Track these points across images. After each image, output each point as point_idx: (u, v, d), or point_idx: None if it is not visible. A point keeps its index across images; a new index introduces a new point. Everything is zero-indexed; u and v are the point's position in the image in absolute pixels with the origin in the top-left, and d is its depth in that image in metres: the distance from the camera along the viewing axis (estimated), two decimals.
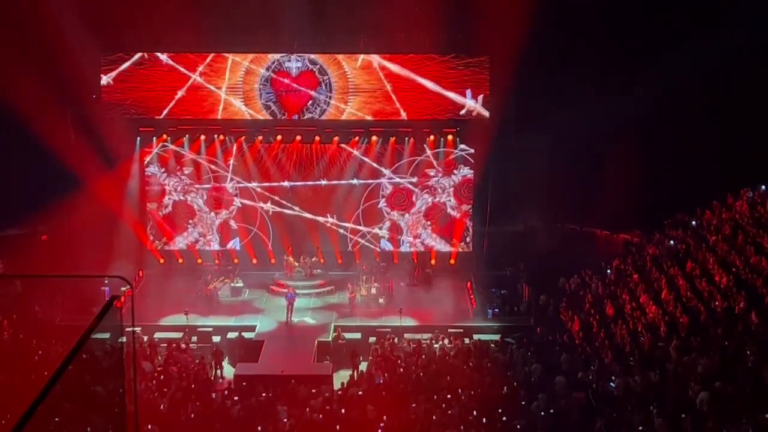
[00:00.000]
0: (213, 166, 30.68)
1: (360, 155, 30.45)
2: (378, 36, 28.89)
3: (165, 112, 29.31)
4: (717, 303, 20.88)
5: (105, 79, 28.93)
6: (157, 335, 25.06)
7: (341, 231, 31.08)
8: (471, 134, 29.86)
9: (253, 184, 30.79)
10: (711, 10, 25.89)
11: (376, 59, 28.97)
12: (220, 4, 28.47)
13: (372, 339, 24.86)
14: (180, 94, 29.10)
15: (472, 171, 30.45)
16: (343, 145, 30.42)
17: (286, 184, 30.79)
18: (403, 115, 29.23)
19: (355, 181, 30.76)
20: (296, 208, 30.83)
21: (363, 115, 29.36)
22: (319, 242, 30.93)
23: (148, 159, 30.56)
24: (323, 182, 30.74)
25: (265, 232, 31.10)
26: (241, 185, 30.87)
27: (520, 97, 28.18)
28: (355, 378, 22.14)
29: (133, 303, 24.66)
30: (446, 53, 28.83)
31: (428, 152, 30.45)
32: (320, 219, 30.90)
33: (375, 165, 30.54)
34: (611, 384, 19.30)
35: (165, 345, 24.17)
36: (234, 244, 31.24)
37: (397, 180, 30.67)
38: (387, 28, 28.64)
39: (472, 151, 30.23)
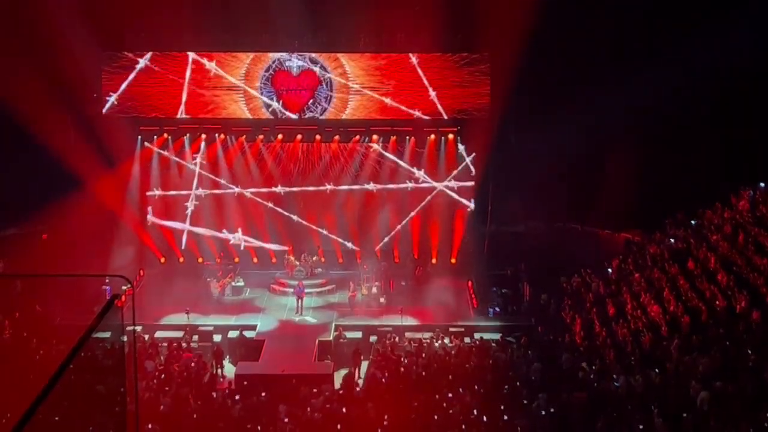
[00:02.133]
0: (209, 174, 30.68)
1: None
2: (378, 35, 28.87)
3: (165, 111, 29.30)
4: (718, 302, 20.88)
5: (105, 79, 28.92)
6: (158, 334, 25.09)
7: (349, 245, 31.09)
8: (472, 133, 29.85)
9: (236, 189, 30.70)
10: (712, 11, 25.88)
11: (375, 58, 28.99)
12: (220, 3, 28.47)
13: (373, 338, 24.88)
14: (180, 93, 29.08)
15: (472, 170, 30.43)
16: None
17: (279, 189, 30.71)
18: (405, 114, 29.20)
19: (371, 186, 30.70)
20: (294, 218, 30.82)
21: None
22: (320, 241, 30.94)
23: (152, 162, 30.54)
24: (329, 187, 30.70)
25: (266, 231, 31.07)
26: (231, 190, 30.79)
27: (521, 97, 28.16)
28: (356, 377, 22.17)
29: (134, 302, 24.80)
30: (447, 52, 28.80)
31: (442, 151, 30.48)
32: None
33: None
34: (615, 383, 19.30)
35: (166, 344, 24.17)
36: (236, 237, 31.07)
37: (418, 183, 30.56)
38: (387, 28, 28.63)
39: (473, 150, 30.22)
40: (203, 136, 30.36)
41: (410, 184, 30.61)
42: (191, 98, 29.17)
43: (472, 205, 30.72)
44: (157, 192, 30.72)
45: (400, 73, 28.93)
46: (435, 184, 30.63)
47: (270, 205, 30.74)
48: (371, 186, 30.68)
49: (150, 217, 30.63)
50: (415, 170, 30.46)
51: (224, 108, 29.37)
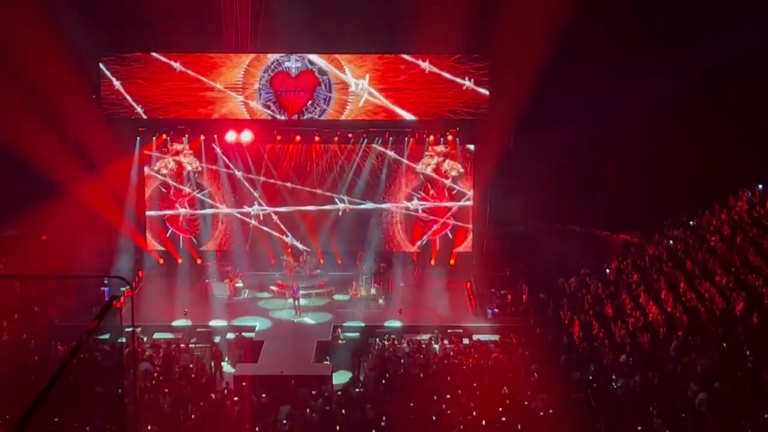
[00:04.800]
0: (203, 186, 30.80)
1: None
2: (378, 36, 28.83)
3: (165, 112, 29.26)
4: (717, 303, 20.90)
5: (104, 79, 28.89)
6: (157, 335, 25.09)
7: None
8: (471, 134, 29.86)
9: (226, 209, 30.79)
10: (712, 11, 25.91)
11: (374, 59, 28.98)
12: (220, 3, 28.45)
13: (372, 339, 24.89)
14: (179, 94, 29.05)
15: (472, 171, 30.44)
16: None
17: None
18: (405, 115, 29.19)
19: (413, 204, 30.70)
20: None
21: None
22: (319, 243, 30.92)
23: (155, 164, 30.54)
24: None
25: (264, 233, 31.04)
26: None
27: (521, 97, 28.17)
28: (356, 378, 22.19)
29: (132, 303, 24.81)
30: (446, 53, 28.78)
31: (429, 151, 30.54)
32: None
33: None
34: (614, 384, 19.33)
35: (165, 345, 24.16)
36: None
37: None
38: (387, 28, 28.61)
39: (473, 150, 30.23)
40: (202, 137, 30.35)
41: (455, 204, 30.64)
42: (190, 99, 29.12)
43: (471, 206, 30.69)
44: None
45: (400, 74, 28.89)
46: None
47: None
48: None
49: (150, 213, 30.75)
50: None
51: (223, 109, 29.31)
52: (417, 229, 31.09)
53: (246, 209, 30.78)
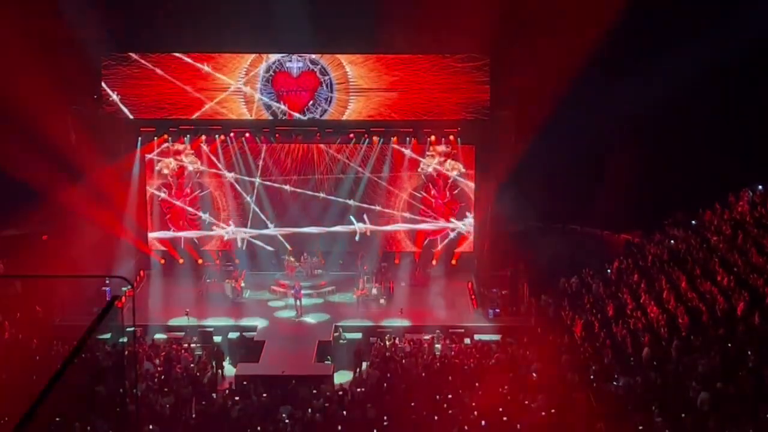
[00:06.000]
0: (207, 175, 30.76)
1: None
2: (378, 36, 28.83)
3: (165, 113, 29.26)
4: (718, 303, 20.88)
5: (106, 79, 28.90)
6: (158, 335, 25.10)
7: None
8: (472, 134, 29.86)
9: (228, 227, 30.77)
10: (711, 10, 25.89)
11: (376, 59, 28.99)
12: (220, 3, 28.44)
13: (373, 339, 24.90)
14: (180, 94, 29.06)
15: (472, 171, 30.43)
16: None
17: (231, 229, 30.65)
18: (405, 115, 29.21)
19: (414, 227, 30.65)
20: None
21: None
22: (320, 243, 30.90)
23: (156, 165, 30.52)
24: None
25: (265, 236, 31.01)
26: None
27: (521, 97, 28.15)
28: (357, 377, 22.19)
29: (134, 303, 24.83)
30: (446, 53, 28.79)
31: (430, 152, 30.56)
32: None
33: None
34: (615, 384, 19.33)
35: (166, 345, 24.18)
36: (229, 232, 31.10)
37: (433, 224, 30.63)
38: (387, 28, 28.60)
39: (473, 150, 30.24)
40: (203, 137, 30.36)
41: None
42: (190, 99, 29.13)
43: (471, 206, 30.68)
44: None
45: (401, 74, 28.91)
46: (434, 183, 30.64)
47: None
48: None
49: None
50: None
51: (224, 109, 29.32)
52: (419, 230, 31.08)
53: (244, 229, 30.75)
